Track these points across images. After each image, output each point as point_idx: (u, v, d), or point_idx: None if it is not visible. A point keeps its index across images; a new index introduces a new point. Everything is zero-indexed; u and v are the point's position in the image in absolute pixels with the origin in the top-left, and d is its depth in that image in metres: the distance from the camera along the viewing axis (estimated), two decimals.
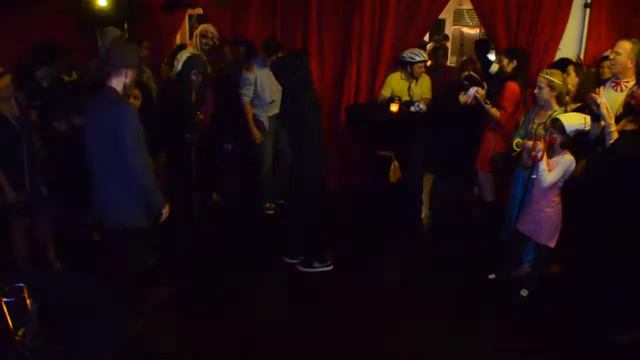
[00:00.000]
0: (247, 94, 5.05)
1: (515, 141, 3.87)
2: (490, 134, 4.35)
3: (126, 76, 2.93)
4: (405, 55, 5.05)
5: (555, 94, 3.64)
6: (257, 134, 5.13)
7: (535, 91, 3.73)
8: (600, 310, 3.48)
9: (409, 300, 3.85)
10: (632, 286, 3.23)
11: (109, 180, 2.97)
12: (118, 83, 2.93)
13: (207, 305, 3.70)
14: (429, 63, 5.60)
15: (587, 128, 3.34)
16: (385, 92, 5.22)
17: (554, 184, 3.52)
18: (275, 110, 5.04)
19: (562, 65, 4.09)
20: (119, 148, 2.85)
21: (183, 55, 4.87)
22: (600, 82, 4.03)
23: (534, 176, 3.64)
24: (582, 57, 4.90)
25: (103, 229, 3.37)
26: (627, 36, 3.69)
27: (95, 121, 2.95)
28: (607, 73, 4.10)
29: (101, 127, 2.89)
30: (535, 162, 3.54)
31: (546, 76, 3.65)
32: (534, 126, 3.78)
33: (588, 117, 3.34)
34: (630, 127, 3.18)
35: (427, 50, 6.50)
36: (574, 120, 3.38)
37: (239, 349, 3.28)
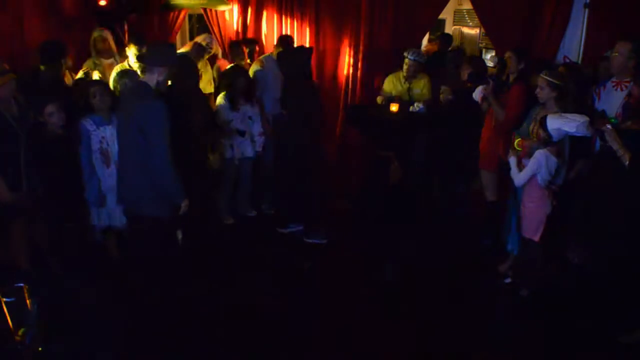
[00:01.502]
0: (257, 88, 5.06)
1: (517, 141, 3.87)
2: (495, 134, 4.32)
3: (159, 74, 3.08)
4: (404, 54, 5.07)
5: (555, 94, 3.64)
6: (267, 126, 5.09)
7: (537, 91, 3.73)
8: (601, 310, 3.49)
9: (408, 299, 3.86)
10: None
11: (133, 171, 3.12)
12: (151, 79, 3.09)
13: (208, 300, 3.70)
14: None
15: (573, 130, 3.34)
16: (386, 92, 5.22)
17: (532, 180, 3.58)
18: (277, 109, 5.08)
19: (540, 67, 4.08)
20: (144, 141, 2.97)
21: None
22: (599, 82, 4.03)
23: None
24: (580, 57, 4.92)
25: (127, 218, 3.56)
26: (626, 36, 3.68)
27: (123, 114, 3.16)
28: (604, 74, 4.11)
29: (128, 120, 3.07)
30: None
31: (546, 77, 3.65)
32: (533, 125, 3.78)
33: (584, 121, 3.32)
34: (633, 127, 3.19)
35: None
36: (560, 120, 3.39)
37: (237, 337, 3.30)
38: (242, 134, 4.71)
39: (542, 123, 3.47)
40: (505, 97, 4.22)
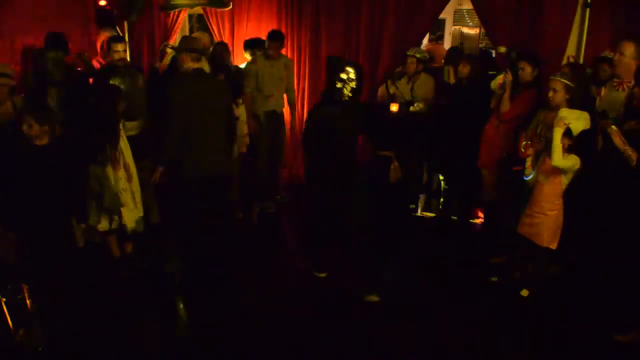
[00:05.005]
0: (248, 85, 5.08)
1: (523, 144, 3.86)
2: (494, 134, 4.31)
3: None
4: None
5: (568, 97, 3.62)
6: (252, 123, 5.09)
7: (550, 94, 3.70)
8: (601, 310, 3.50)
9: (407, 300, 3.85)
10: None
11: (218, 136, 3.90)
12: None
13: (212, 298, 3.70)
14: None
15: (590, 126, 3.37)
16: (386, 92, 5.20)
17: (556, 188, 3.56)
18: (272, 106, 5.15)
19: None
20: (226, 115, 4.05)
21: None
22: (599, 82, 4.02)
23: (527, 178, 3.72)
24: (581, 57, 4.90)
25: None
26: (630, 37, 3.68)
27: (212, 98, 3.87)
28: (605, 74, 4.10)
29: (216, 102, 3.90)
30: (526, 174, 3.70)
31: (562, 79, 3.63)
32: (542, 129, 3.76)
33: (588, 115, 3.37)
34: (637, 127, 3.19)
35: None
36: (580, 122, 3.39)
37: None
38: None
39: (567, 131, 3.40)
40: (517, 95, 4.17)
